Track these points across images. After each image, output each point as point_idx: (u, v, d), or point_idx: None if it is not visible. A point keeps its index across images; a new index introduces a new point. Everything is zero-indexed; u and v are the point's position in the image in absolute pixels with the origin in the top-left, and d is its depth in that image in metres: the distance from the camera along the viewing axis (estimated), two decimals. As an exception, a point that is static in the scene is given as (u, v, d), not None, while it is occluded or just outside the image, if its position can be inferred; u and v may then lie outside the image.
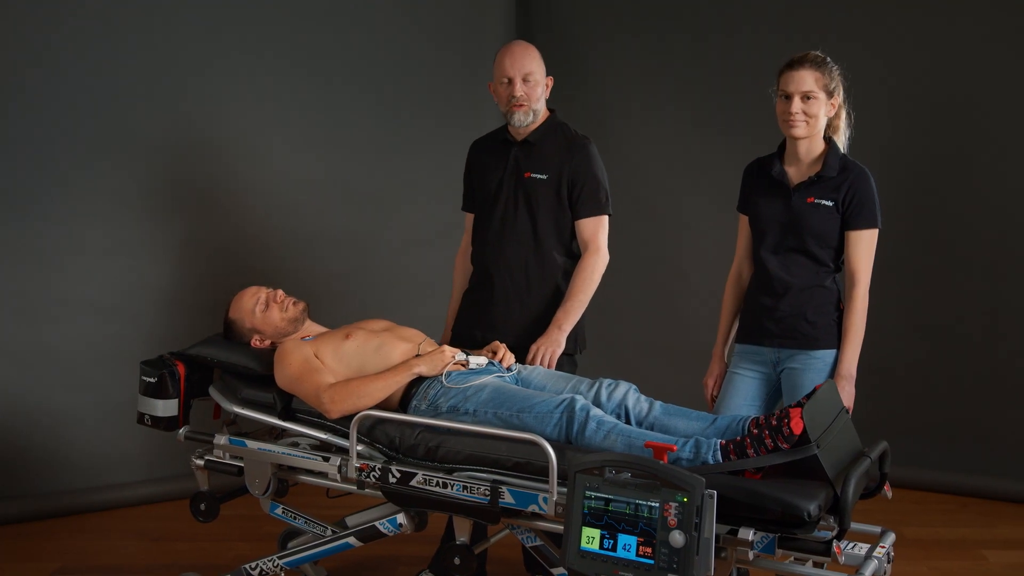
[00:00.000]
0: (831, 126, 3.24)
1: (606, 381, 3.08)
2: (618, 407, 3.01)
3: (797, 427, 2.61)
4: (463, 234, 3.84)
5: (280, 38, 4.90)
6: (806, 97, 3.14)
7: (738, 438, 2.70)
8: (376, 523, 3.08)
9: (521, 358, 3.40)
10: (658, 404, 3.02)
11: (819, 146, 3.23)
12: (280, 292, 3.44)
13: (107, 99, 4.55)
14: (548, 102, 3.64)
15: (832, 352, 3.25)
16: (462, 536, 2.98)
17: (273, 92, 4.90)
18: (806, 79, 3.13)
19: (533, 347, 3.47)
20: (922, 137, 4.84)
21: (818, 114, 3.15)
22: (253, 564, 3.28)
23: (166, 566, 3.94)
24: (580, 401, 2.90)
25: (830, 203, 3.17)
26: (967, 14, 4.71)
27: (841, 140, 3.25)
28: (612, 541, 2.49)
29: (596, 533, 2.51)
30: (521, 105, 3.51)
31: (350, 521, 3.30)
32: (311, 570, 3.75)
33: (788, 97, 3.15)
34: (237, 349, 3.40)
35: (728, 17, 5.14)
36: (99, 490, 4.61)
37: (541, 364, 3.43)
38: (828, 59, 3.19)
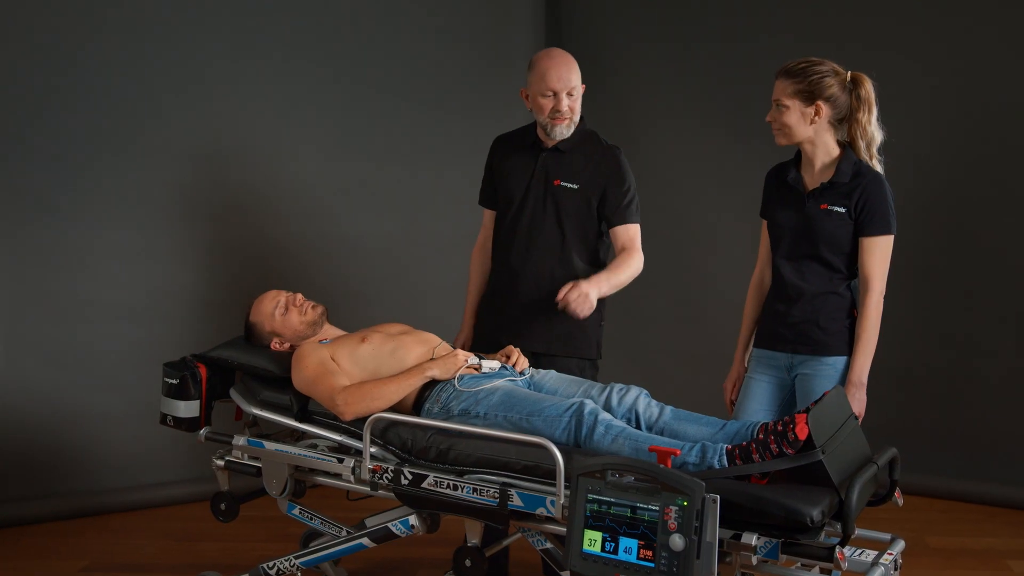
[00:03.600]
0: (850, 132, 3.19)
1: (617, 386, 3.10)
2: (628, 412, 3.03)
3: (802, 433, 2.61)
4: (480, 229, 3.85)
5: (309, 45, 4.97)
6: (778, 107, 3.15)
7: (744, 443, 2.71)
8: (389, 524, 3.12)
9: (546, 364, 3.42)
10: (668, 409, 3.03)
11: (832, 152, 3.21)
12: (299, 296, 3.50)
13: (138, 105, 4.64)
14: None
15: (844, 359, 3.23)
16: (473, 539, 3.01)
17: (301, 98, 4.96)
18: (776, 88, 3.15)
19: (563, 289, 3.33)
20: (950, 145, 4.80)
21: (789, 123, 3.14)
22: (271, 563, 3.34)
23: (191, 566, 4.00)
24: (589, 405, 2.92)
25: (842, 209, 3.16)
26: (1004, 20, 4.66)
27: (863, 143, 3.19)
28: (613, 544, 2.51)
29: (598, 536, 2.53)
30: (565, 119, 3.52)
31: (369, 522, 3.34)
32: (331, 570, 3.80)
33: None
34: (257, 352, 3.46)
35: (755, 25, 5.13)
36: (128, 490, 4.71)
37: (567, 304, 3.30)
38: (814, 64, 3.12)
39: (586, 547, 2.54)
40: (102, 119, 4.60)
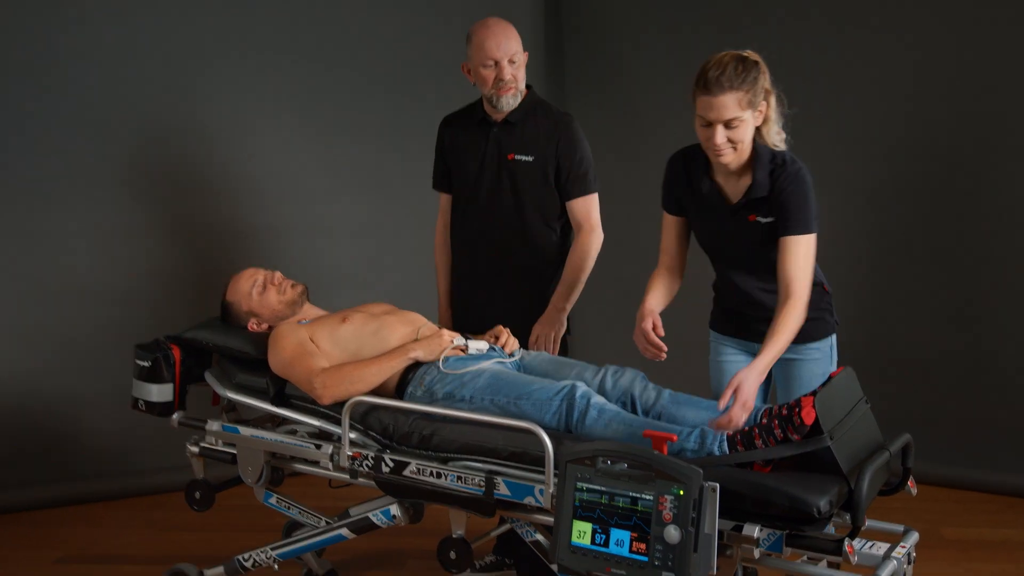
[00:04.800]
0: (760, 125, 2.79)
1: (612, 368, 2.92)
2: (624, 395, 2.85)
3: (809, 417, 2.43)
4: (438, 215, 3.71)
5: (290, 22, 4.78)
6: (729, 124, 2.66)
7: (747, 428, 2.52)
8: (369, 514, 2.96)
9: (520, 343, 3.25)
10: (667, 392, 2.85)
11: (746, 152, 2.79)
12: (278, 274, 3.33)
13: (114, 86, 4.48)
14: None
15: (828, 340, 2.98)
16: (458, 529, 2.84)
17: (280, 76, 4.77)
18: (727, 105, 2.63)
19: (535, 330, 3.34)
20: (957, 121, 4.58)
21: (745, 137, 2.72)
22: (246, 555, 3.18)
23: (170, 557, 3.82)
24: (581, 388, 2.75)
25: (773, 219, 2.79)
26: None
27: (773, 129, 2.77)
28: (604, 536, 2.33)
29: (588, 527, 2.35)
30: (510, 88, 3.37)
31: (354, 511, 3.19)
32: (314, 562, 3.64)
33: (708, 124, 2.68)
34: (233, 333, 3.29)
35: (759, 10, 4.89)
36: (107, 478, 4.54)
37: (544, 348, 3.31)
38: (746, 63, 2.67)
39: (575, 539, 2.36)
40: (77, 101, 4.44)
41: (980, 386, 4.66)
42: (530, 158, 3.41)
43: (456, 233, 3.59)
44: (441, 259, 3.70)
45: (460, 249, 3.59)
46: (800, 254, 2.73)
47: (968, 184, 4.60)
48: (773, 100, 2.75)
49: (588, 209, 3.45)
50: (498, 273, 3.48)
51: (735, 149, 2.72)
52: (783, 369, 2.99)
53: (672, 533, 2.24)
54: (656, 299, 2.95)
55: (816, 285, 2.88)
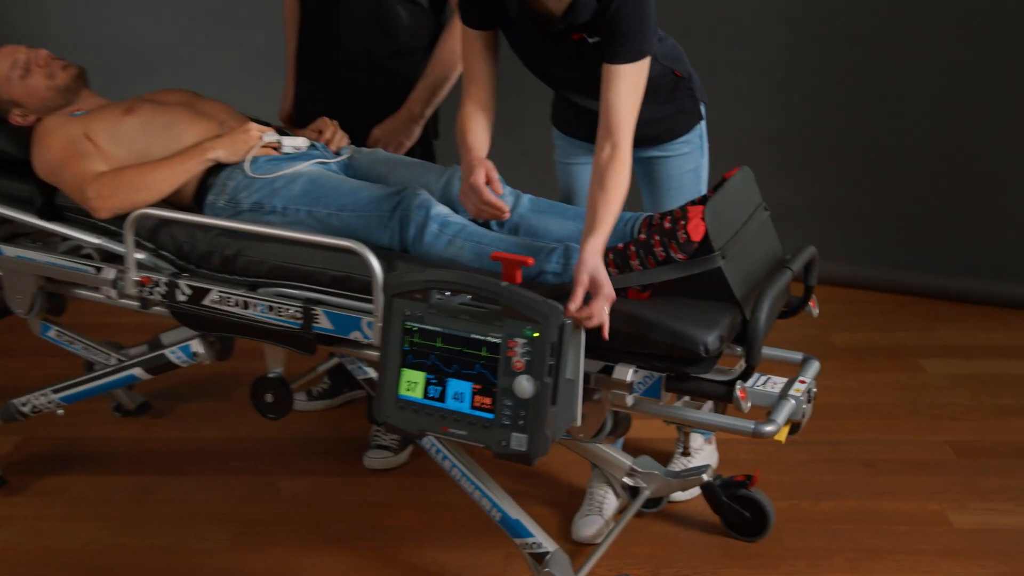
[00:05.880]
0: None
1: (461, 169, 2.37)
2: (474, 203, 2.32)
3: (697, 231, 1.95)
4: None
5: None
6: None
7: (621, 245, 2.03)
8: (166, 352, 2.44)
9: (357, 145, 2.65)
10: (526, 198, 2.33)
11: None
12: (44, 52, 2.65)
13: None
14: None
15: (696, 129, 2.45)
16: (275, 367, 2.35)
17: None
18: None
19: (374, 133, 2.71)
20: None
21: None
22: (23, 399, 2.66)
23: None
24: (420, 195, 2.21)
25: (599, 39, 2.15)
26: None
27: None
28: (440, 388, 1.86)
29: (420, 377, 1.87)
30: None
31: (165, 339, 2.70)
32: (124, 395, 3.15)
33: None
34: (-8, 128, 2.64)
35: None
36: None
37: (387, 147, 2.71)
38: None
39: (403, 392, 1.89)
40: None
41: (868, 170, 4.23)
42: None
43: (305, 4, 2.85)
44: (290, 18, 2.95)
45: (309, 27, 2.86)
46: (627, 89, 2.08)
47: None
48: None
49: None
50: (343, 60, 2.79)
51: None
52: (647, 170, 2.46)
53: (524, 385, 1.78)
54: (481, 142, 2.26)
55: (666, 74, 2.33)
